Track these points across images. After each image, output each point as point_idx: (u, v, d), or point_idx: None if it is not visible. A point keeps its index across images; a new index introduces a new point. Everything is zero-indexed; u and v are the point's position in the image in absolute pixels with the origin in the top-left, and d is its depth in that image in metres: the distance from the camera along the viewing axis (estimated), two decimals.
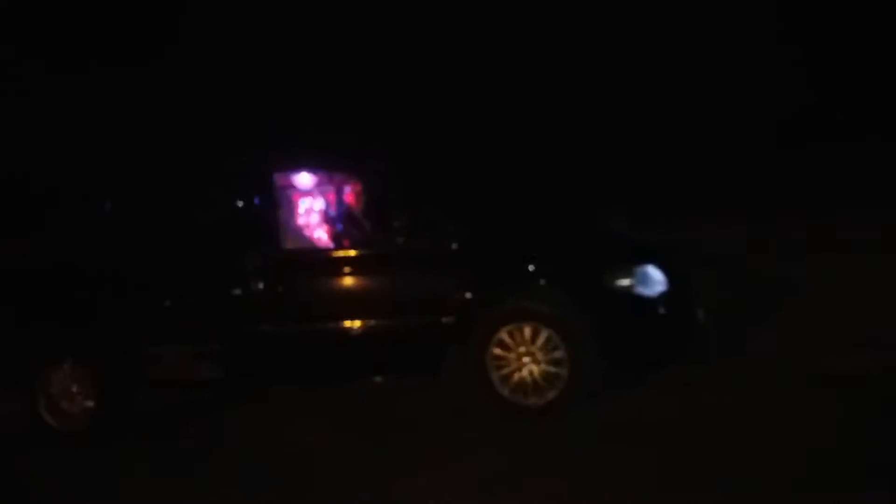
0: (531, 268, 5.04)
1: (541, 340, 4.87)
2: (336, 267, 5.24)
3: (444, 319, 5.03)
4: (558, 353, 4.84)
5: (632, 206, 9.25)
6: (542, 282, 5.00)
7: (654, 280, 4.96)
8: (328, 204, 5.60)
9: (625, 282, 4.91)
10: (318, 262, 5.33)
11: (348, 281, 5.24)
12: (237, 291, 5.30)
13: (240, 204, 5.47)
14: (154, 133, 10.13)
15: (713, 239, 8.59)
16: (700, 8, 11.30)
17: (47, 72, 11.00)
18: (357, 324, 5.18)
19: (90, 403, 5.64)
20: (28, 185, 6.38)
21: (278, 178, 5.46)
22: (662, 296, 4.96)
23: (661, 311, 4.97)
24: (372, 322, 5.17)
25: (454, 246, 5.08)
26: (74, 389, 5.67)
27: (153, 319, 5.53)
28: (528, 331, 4.90)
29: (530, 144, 11.00)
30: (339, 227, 5.44)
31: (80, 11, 11.43)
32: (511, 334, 4.93)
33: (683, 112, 11.24)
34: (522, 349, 4.92)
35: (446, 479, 4.22)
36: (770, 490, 3.66)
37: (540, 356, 4.89)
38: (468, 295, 5.00)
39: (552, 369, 4.85)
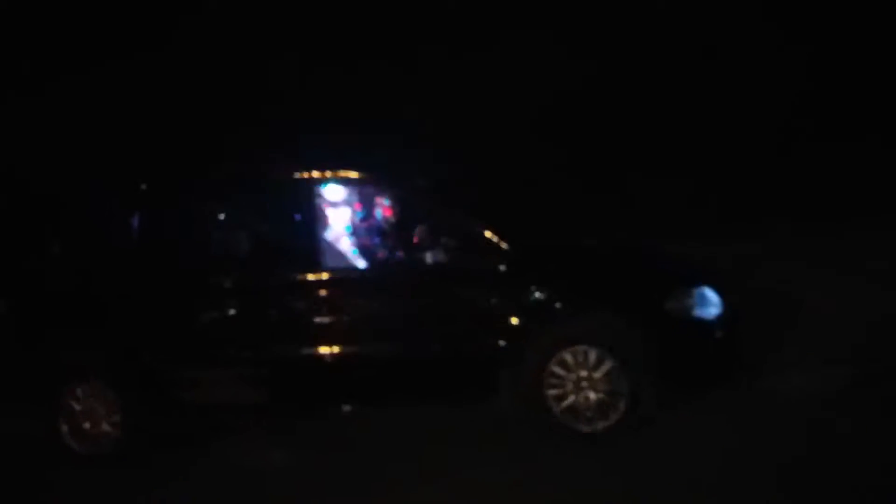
0: (590, 291, 4.90)
1: (601, 367, 4.75)
2: (382, 287, 5.05)
3: (497, 342, 4.88)
4: (617, 382, 4.73)
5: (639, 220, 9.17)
6: (602, 306, 4.87)
7: (712, 302, 4.89)
8: (374, 221, 5.38)
9: (685, 305, 4.83)
10: (364, 282, 5.12)
11: (395, 302, 5.04)
12: (281, 312, 5.06)
13: (281, 220, 5.19)
14: (165, 135, 9.76)
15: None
16: (702, 10, 11.25)
17: (48, 71, 10.55)
18: (401, 347, 5.00)
19: (114, 426, 5.35)
20: (43, 198, 5.97)
21: (319, 193, 5.23)
22: (719, 318, 4.88)
23: (718, 333, 4.89)
24: (417, 346, 4.99)
25: (506, 267, 4.91)
26: (99, 411, 5.38)
27: (190, 341, 5.25)
28: (587, 356, 4.78)
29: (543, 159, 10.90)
30: (385, 246, 5.23)
31: (78, 9, 11.01)
32: (565, 359, 4.79)
33: (679, 122, 11.22)
34: (580, 373, 4.79)
35: None
36: None
37: (596, 381, 4.77)
38: (522, 318, 4.86)
39: (609, 397, 4.74)
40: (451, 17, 11.59)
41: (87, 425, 5.42)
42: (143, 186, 5.56)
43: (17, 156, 9.15)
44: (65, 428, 5.45)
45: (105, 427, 5.39)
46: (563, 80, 11.36)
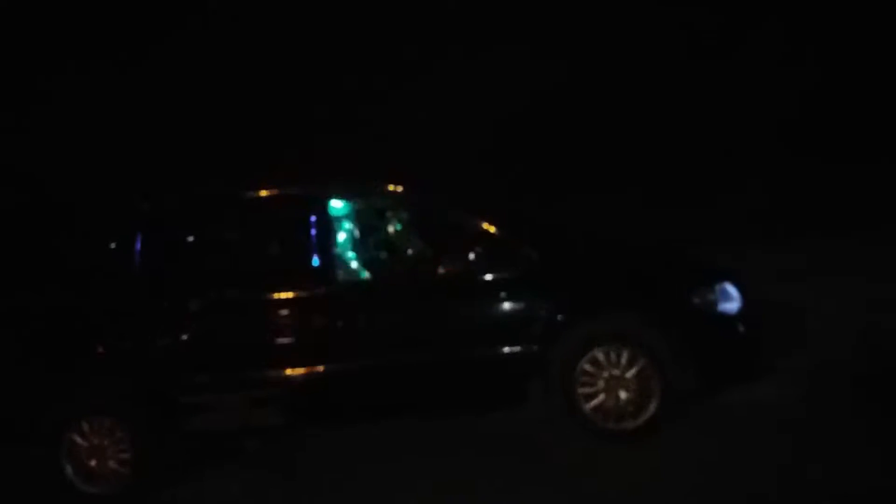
0: (617, 291, 4.90)
1: (632, 365, 4.74)
2: (408, 297, 4.95)
3: (526, 347, 4.82)
4: (648, 380, 4.73)
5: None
6: (630, 305, 4.87)
7: (734, 297, 4.93)
8: (393, 232, 5.30)
9: (711, 300, 4.86)
10: (388, 292, 5.01)
11: (422, 311, 4.95)
12: (298, 328, 4.91)
13: (294, 234, 5.06)
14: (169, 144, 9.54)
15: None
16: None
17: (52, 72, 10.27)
18: (430, 357, 4.89)
19: (122, 463, 5.08)
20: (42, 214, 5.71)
21: (337, 206, 5.13)
22: (740, 312, 4.93)
23: (741, 328, 4.93)
24: (447, 355, 4.89)
25: (534, 271, 4.88)
26: (106, 447, 5.10)
27: (200, 365, 5.03)
28: (618, 355, 4.77)
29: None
30: (411, 256, 5.15)
31: (80, 11, 10.79)
32: (597, 358, 4.77)
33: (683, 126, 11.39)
34: (611, 372, 4.77)
35: None
36: None
37: (628, 380, 4.75)
38: (553, 320, 4.82)
39: (641, 395, 4.73)
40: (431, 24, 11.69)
41: (92, 463, 5.12)
42: (144, 206, 5.36)
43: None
44: (69, 468, 5.14)
45: (113, 464, 5.10)
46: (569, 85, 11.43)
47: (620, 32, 11.85)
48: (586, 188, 10.55)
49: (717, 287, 4.90)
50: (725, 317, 4.87)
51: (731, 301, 4.91)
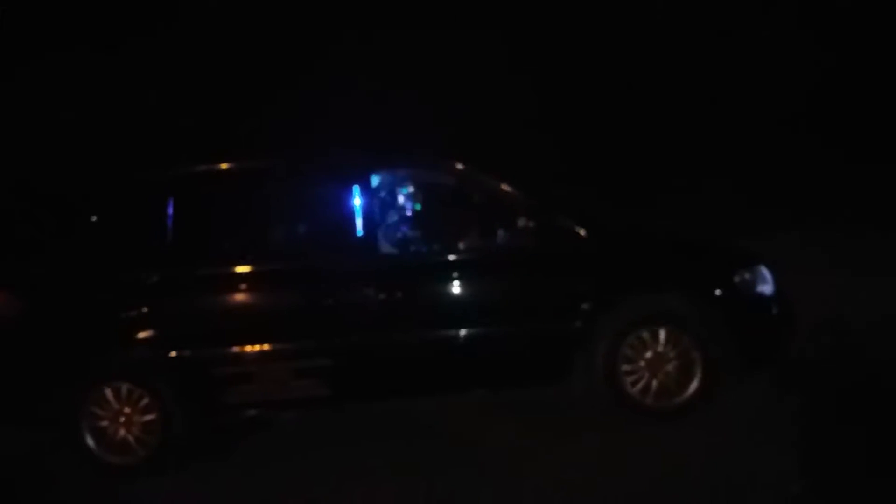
0: (662, 270, 4.96)
1: (675, 344, 4.81)
2: (455, 272, 4.90)
3: (571, 324, 4.84)
4: (691, 355, 4.81)
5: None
6: (675, 284, 4.93)
7: (768, 279, 5.05)
8: (445, 207, 5.23)
9: (750, 281, 4.97)
10: (435, 267, 4.94)
11: (469, 286, 4.91)
12: (347, 299, 4.81)
13: (339, 205, 4.95)
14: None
15: None
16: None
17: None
18: (478, 331, 4.86)
19: (148, 433, 4.91)
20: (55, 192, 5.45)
21: (381, 178, 5.04)
22: (775, 294, 5.05)
23: (776, 308, 5.06)
24: (494, 329, 4.87)
25: (580, 248, 4.90)
26: (133, 416, 4.92)
27: (240, 332, 4.89)
28: (661, 334, 4.83)
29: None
30: (459, 230, 5.09)
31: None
32: (643, 337, 4.83)
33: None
34: (656, 351, 4.83)
35: None
36: None
37: (670, 358, 4.82)
38: (599, 298, 4.84)
39: (682, 373, 4.81)
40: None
41: (117, 433, 4.93)
42: (174, 173, 5.17)
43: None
44: (89, 438, 4.94)
45: (137, 433, 4.92)
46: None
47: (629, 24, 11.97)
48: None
49: (755, 269, 5.01)
50: (763, 297, 4.99)
51: (767, 283, 5.03)
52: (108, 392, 4.92)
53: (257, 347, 4.87)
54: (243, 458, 5.11)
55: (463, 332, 4.84)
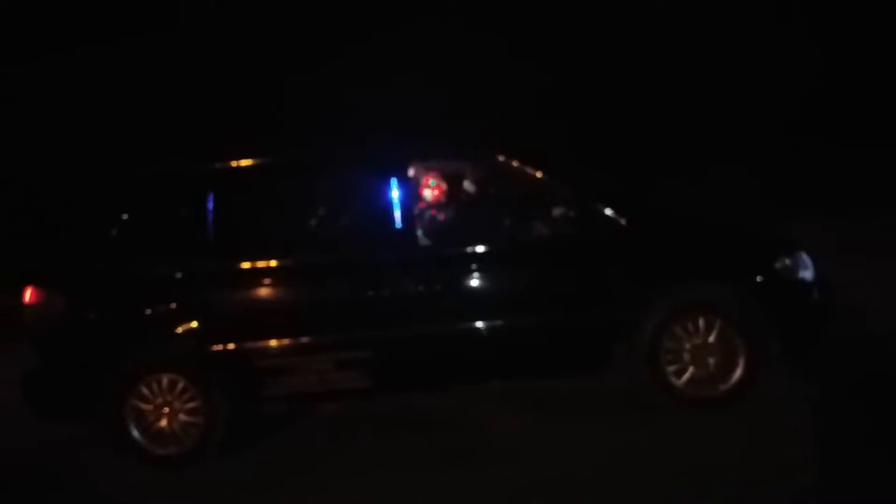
0: (704, 259, 4.93)
1: (718, 332, 4.79)
2: (496, 262, 4.90)
3: (612, 313, 4.83)
4: (734, 343, 4.79)
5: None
6: (716, 272, 4.90)
7: (809, 265, 5.01)
8: (486, 197, 5.23)
9: (791, 267, 4.93)
10: (476, 257, 4.93)
11: (508, 276, 4.91)
12: (386, 290, 4.82)
13: (378, 196, 4.94)
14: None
15: None
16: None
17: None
18: (517, 322, 4.86)
19: (197, 423, 4.96)
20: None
21: (419, 169, 5.03)
22: (815, 281, 5.01)
23: (816, 294, 5.02)
24: (533, 319, 4.86)
25: (621, 237, 4.88)
26: (177, 406, 4.97)
27: (282, 325, 4.92)
28: (704, 322, 4.81)
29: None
30: (500, 221, 5.08)
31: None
32: (685, 326, 4.81)
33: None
34: (695, 341, 4.81)
35: None
36: None
37: (715, 348, 4.80)
38: (642, 287, 4.83)
39: (725, 362, 4.79)
40: None
41: (162, 424, 4.98)
42: (215, 167, 5.19)
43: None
44: (135, 430, 5.00)
45: (182, 424, 4.98)
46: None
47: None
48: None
49: (795, 255, 4.98)
50: (804, 283, 4.95)
51: (807, 269, 4.99)
52: (153, 384, 4.96)
53: (299, 339, 4.89)
54: (277, 449, 5.17)
55: (502, 322, 4.84)
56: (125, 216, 5.27)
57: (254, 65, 11.62)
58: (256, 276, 4.94)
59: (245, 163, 5.11)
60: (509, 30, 11.91)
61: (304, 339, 4.89)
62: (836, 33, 11.77)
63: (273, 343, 4.90)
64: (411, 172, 5.02)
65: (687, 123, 11.76)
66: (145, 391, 4.97)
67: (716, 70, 11.79)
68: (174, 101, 11.07)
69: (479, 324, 4.84)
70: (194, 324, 4.94)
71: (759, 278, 4.90)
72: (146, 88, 11.05)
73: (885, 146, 10.72)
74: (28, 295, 4.97)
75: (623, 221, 4.86)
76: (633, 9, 12.02)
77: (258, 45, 11.51)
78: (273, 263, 4.94)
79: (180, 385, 4.96)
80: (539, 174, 4.96)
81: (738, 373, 4.81)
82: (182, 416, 4.97)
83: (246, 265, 4.95)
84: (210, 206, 5.00)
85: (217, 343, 4.93)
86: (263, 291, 4.95)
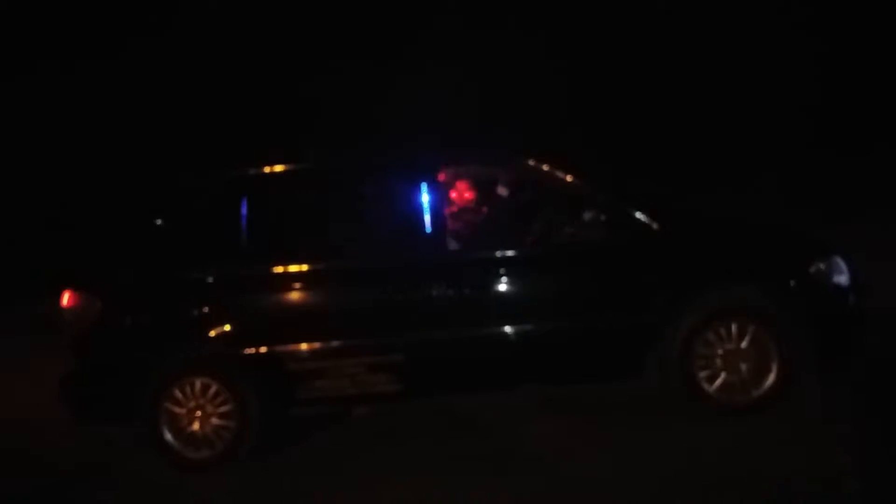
0: (738, 263, 4.90)
1: (751, 338, 4.75)
2: (525, 266, 4.91)
3: (644, 318, 4.80)
4: (767, 348, 4.74)
5: None
6: (750, 276, 4.86)
7: (844, 270, 4.95)
8: (509, 200, 5.24)
9: (825, 272, 4.87)
10: (505, 261, 4.93)
11: (538, 280, 4.91)
12: (417, 295, 4.84)
13: (409, 201, 4.97)
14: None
15: None
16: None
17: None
18: (548, 327, 4.85)
19: (229, 426, 5.01)
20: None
21: (450, 174, 5.05)
22: (850, 285, 4.95)
23: (851, 300, 4.95)
24: (564, 324, 4.85)
25: (653, 241, 4.86)
26: (209, 410, 5.02)
27: (314, 329, 4.95)
28: (734, 327, 4.77)
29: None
30: (530, 225, 5.09)
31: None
32: (718, 331, 4.78)
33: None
34: (728, 346, 4.78)
35: None
36: None
37: (746, 353, 4.76)
38: (674, 292, 4.80)
39: (758, 368, 4.75)
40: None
41: (194, 428, 5.03)
42: (249, 173, 5.25)
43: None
44: (168, 433, 5.05)
45: (214, 427, 5.02)
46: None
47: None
48: None
49: (830, 259, 4.92)
50: (838, 288, 4.89)
51: (842, 273, 4.92)
52: (186, 388, 5.01)
53: (331, 343, 4.92)
54: (308, 452, 5.23)
55: (531, 327, 4.83)
56: (161, 222, 5.36)
57: (270, 69, 11.72)
58: (288, 280, 4.98)
59: (277, 169, 5.16)
60: (542, 30, 11.95)
61: (336, 343, 4.92)
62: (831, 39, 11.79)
63: (305, 347, 4.94)
64: (442, 177, 5.04)
65: (704, 132, 11.74)
66: (178, 394, 5.02)
67: (725, 79, 11.80)
68: (180, 108, 11.17)
69: (510, 328, 4.84)
70: (227, 327, 4.99)
71: (792, 282, 4.85)
72: (149, 97, 11.14)
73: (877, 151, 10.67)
74: (65, 298, 5.05)
75: (655, 225, 4.84)
76: (636, 18, 12.07)
77: (277, 48, 11.63)
78: (305, 268, 4.98)
79: (213, 389, 5.00)
80: (570, 178, 4.96)
81: (771, 379, 4.77)
82: (214, 420, 5.02)
83: (278, 270, 4.99)
84: (244, 212, 5.06)
85: (249, 346, 4.97)
86: (295, 295, 4.99)
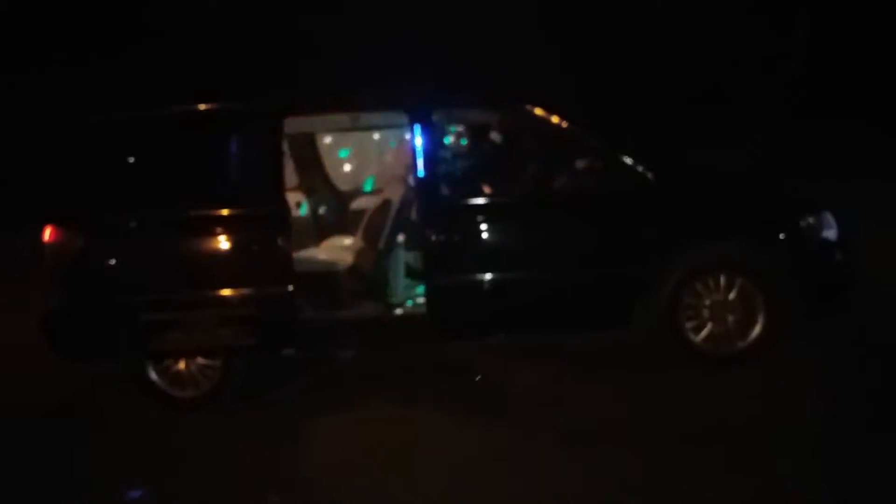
0: (728, 217, 4.89)
1: (736, 289, 4.78)
2: (517, 215, 4.86)
3: (635, 268, 4.80)
4: (754, 300, 4.77)
5: None
6: (740, 230, 4.86)
7: (833, 224, 4.97)
8: (502, 145, 5.15)
9: (815, 226, 4.89)
10: (495, 209, 4.88)
11: (529, 228, 4.87)
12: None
13: (400, 147, 4.89)
14: None
15: None
16: None
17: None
18: (538, 275, 4.82)
19: (215, 366, 5.00)
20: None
21: (444, 118, 4.95)
22: (839, 240, 4.98)
23: (840, 254, 4.98)
24: (554, 273, 4.82)
25: (647, 192, 4.82)
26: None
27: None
28: (723, 279, 4.79)
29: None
30: (516, 170, 5.02)
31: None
32: (706, 283, 4.80)
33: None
34: (715, 298, 4.80)
35: None
36: None
37: (735, 305, 4.79)
38: (661, 245, 4.79)
39: (744, 319, 4.78)
40: None
41: (179, 367, 5.00)
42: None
43: None
44: (153, 372, 5.02)
45: (200, 367, 5.00)
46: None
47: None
48: None
49: (820, 214, 4.93)
50: (828, 243, 4.92)
51: (832, 229, 4.95)
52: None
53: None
54: (295, 392, 5.27)
55: (522, 275, 4.80)
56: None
57: (266, 8, 11.48)
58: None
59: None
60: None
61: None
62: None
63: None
64: (436, 120, 4.93)
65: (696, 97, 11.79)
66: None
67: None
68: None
69: (495, 277, 4.80)
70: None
71: (782, 236, 4.86)
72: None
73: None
74: (47, 234, 4.92)
75: (650, 176, 4.80)
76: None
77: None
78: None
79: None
80: (569, 126, 4.88)
81: (757, 331, 4.81)
82: (200, 359, 4.98)
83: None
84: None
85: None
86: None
